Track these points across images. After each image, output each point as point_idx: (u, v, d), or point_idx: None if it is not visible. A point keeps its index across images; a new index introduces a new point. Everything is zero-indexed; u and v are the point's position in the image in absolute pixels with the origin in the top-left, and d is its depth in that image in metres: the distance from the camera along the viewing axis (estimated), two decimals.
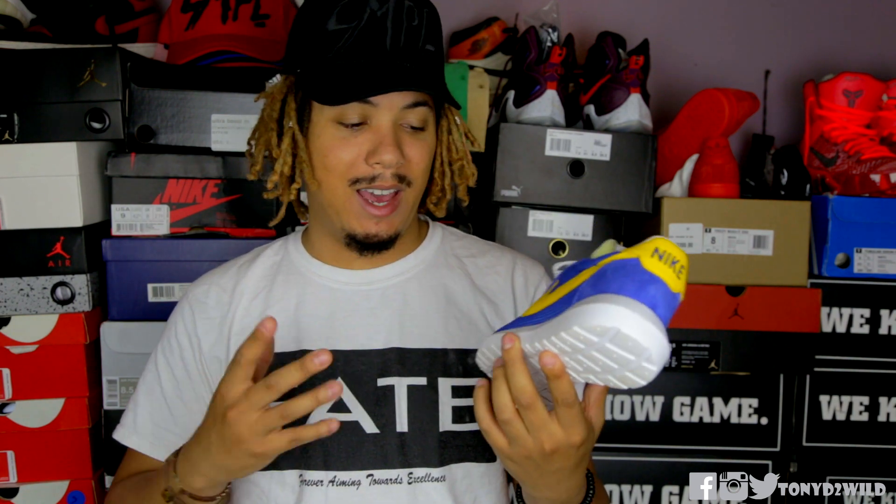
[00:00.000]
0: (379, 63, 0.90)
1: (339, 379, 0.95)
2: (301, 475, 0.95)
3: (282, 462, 0.95)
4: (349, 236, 0.96)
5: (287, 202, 1.03)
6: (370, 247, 0.96)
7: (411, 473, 0.95)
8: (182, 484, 0.86)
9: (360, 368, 0.96)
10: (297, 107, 0.96)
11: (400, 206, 0.95)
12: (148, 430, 1.02)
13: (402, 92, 0.91)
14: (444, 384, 0.96)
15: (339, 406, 0.95)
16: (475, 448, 0.97)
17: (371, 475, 0.94)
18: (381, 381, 0.96)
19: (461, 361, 0.98)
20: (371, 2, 0.90)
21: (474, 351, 0.95)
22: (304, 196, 1.06)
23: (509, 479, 1.07)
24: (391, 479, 0.94)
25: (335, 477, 0.94)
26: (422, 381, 0.96)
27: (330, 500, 0.94)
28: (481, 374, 0.95)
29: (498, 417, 0.74)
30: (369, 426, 0.95)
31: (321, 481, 0.94)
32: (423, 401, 0.95)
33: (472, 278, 1.03)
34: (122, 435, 1.03)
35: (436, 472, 0.95)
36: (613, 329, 0.60)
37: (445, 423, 0.96)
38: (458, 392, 0.97)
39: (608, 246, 0.70)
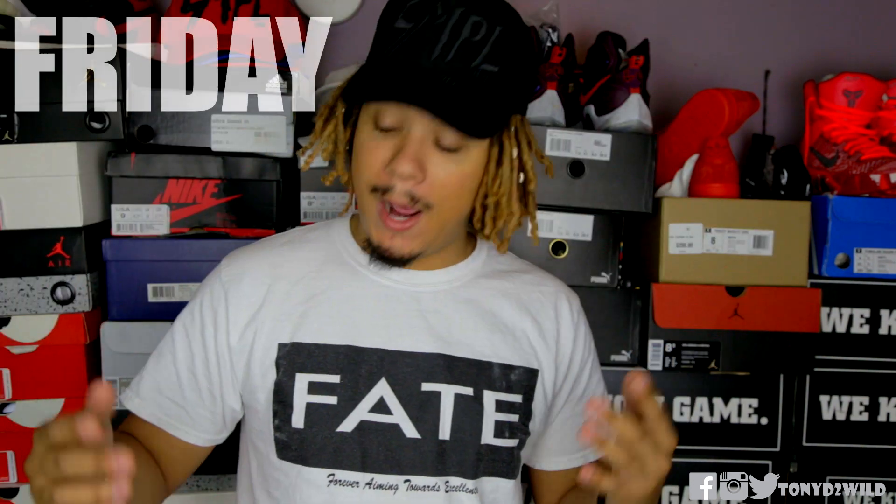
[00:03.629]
0: (416, 72, 0.86)
1: (384, 380, 0.95)
2: (332, 475, 0.93)
3: (310, 458, 0.94)
4: (367, 240, 0.95)
5: (351, 190, 1.02)
6: (384, 260, 0.94)
7: (448, 482, 0.94)
8: None
9: (405, 371, 0.95)
10: (349, 99, 0.96)
11: (417, 227, 0.91)
12: (150, 397, 0.99)
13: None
14: (489, 397, 0.96)
15: (382, 407, 0.94)
16: (508, 464, 0.97)
17: (409, 480, 0.93)
18: (426, 386, 0.94)
19: (505, 377, 0.98)
20: (438, 5, 0.86)
21: (517, 367, 0.98)
22: None
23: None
24: (429, 486, 0.94)
25: (372, 479, 0.93)
26: (468, 391, 0.95)
27: (364, 502, 0.92)
28: (521, 392, 0.98)
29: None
30: (410, 430, 0.94)
31: (357, 483, 0.93)
32: (469, 411, 0.95)
33: (519, 294, 1.02)
34: (125, 397, 1.01)
35: (470, 483, 0.95)
36: None
37: (487, 436, 0.95)
38: (500, 406, 0.96)
39: None
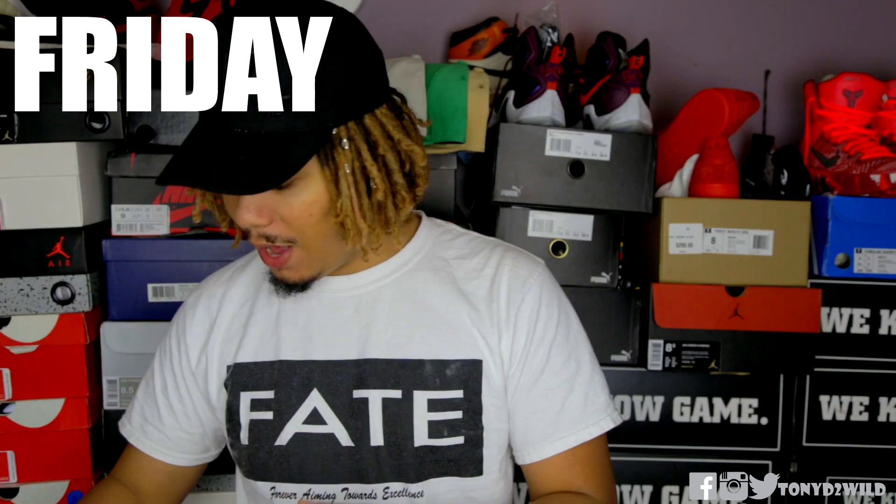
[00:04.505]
0: (206, 134, 0.82)
1: (316, 391, 0.94)
2: (273, 488, 0.95)
3: (256, 473, 0.96)
4: (269, 272, 0.95)
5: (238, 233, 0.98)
6: (285, 287, 0.92)
7: (387, 488, 0.93)
8: None
9: (336, 379, 0.94)
10: None
11: (293, 259, 0.89)
12: (137, 423, 1.05)
13: None
14: (420, 397, 0.93)
15: (316, 418, 0.94)
16: (458, 463, 0.93)
17: (346, 489, 0.93)
18: (357, 394, 0.94)
19: (439, 373, 0.93)
20: (221, 48, 0.81)
21: (454, 362, 0.94)
22: None
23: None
24: (366, 494, 0.93)
25: (310, 490, 0.94)
26: (396, 393, 0.93)
27: None
28: (461, 387, 0.93)
29: None
30: (345, 439, 0.93)
31: (294, 494, 0.94)
32: (398, 414, 0.93)
33: (458, 283, 0.97)
34: (120, 423, 1.08)
35: (413, 487, 0.93)
36: None
37: (421, 437, 0.92)
38: (434, 406, 0.93)
39: None
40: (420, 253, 1.00)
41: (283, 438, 0.94)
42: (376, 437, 0.93)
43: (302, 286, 0.92)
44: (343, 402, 0.94)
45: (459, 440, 0.93)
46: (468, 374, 0.94)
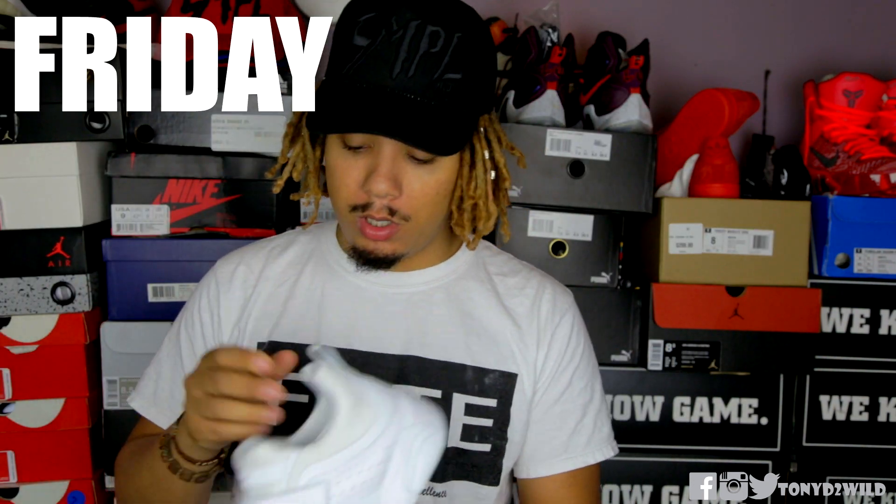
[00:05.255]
0: (376, 94, 0.84)
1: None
2: None
3: None
4: (353, 248, 0.94)
5: (318, 203, 1.00)
6: (370, 262, 0.93)
7: None
8: (177, 437, 0.84)
9: (376, 372, 0.94)
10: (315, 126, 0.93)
11: (396, 236, 0.90)
12: (166, 405, 1.01)
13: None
14: (459, 400, 0.95)
15: None
16: (480, 469, 0.96)
17: None
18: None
19: (478, 380, 0.96)
20: (392, 21, 0.83)
21: (493, 371, 0.96)
22: None
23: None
24: None
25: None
26: (436, 393, 0.95)
27: None
28: (496, 396, 0.96)
29: None
30: None
31: None
32: None
33: (501, 297, 1.01)
34: (140, 405, 1.03)
35: (438, 486, 0.94)
36: None
37: (454, 438, 0.95)
38: (470, 410, 0.95)
39: None
40: (467, 262, 1.03)
41: None
42: None
43: (390, 262, 0.93)
44: None
45: (486, 447, 0.96)
46: (504, 385, 0.97)
